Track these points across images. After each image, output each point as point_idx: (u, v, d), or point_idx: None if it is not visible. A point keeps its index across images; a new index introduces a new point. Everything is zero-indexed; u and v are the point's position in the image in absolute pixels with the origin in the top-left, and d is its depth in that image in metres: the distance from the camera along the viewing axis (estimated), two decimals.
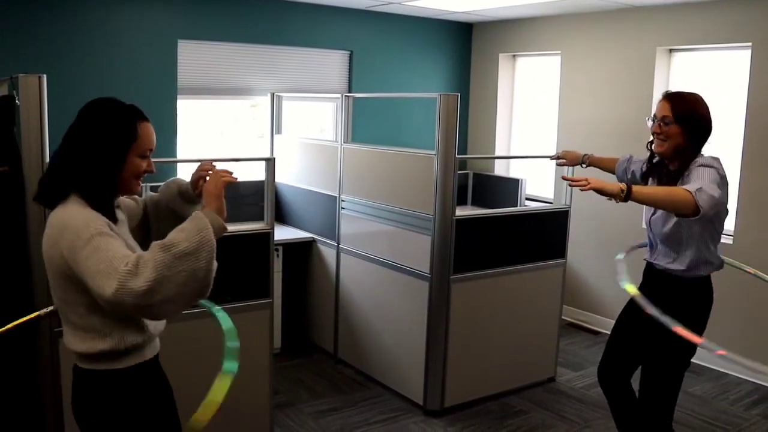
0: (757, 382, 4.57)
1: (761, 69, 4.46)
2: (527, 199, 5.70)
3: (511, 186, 5.74)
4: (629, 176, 3.14)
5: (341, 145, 4.51)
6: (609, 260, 5.44)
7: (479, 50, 6.40)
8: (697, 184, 2.48)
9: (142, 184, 2.01)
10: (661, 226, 2.76)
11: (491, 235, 4.02)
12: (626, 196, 2.40)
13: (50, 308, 2.34)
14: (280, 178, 4.97)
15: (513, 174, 6.12)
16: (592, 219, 5.43)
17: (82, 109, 1.95)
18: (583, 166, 3.41)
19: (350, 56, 5.70)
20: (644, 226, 5.08)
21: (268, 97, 5.21)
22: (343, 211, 4.53)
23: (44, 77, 2.70)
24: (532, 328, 4.33)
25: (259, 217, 3.54)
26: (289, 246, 4.80)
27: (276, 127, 5.21)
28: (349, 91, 5.67)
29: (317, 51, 5.53)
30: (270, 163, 3.30)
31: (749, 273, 3.24)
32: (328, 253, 4.71)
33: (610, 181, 2.46)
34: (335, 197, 4.58)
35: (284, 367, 4.57)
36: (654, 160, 2.86)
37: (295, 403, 4.08)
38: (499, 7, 5.35)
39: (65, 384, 2.08)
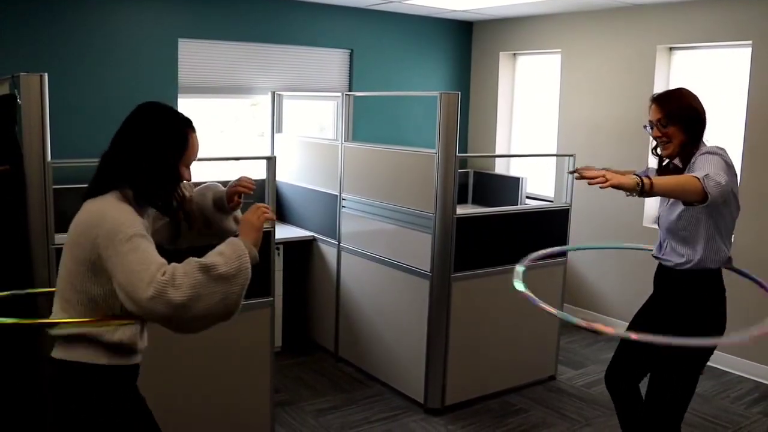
0: (758, 380, 4.57)
1: (761, 67, 4.46)
2: (528, 197, 5.70)
3: (512, 184, 5.74)
4: None
5: (342, 143, 4.52)
6: (609, 259, 5.47)
7: (480, 49, 6.40)
8: (703, 171, 2.46)
9: None
10: (666, 219, 2.75)
11: (492, 233, 4.03)
12: (642, 189, 2.38)
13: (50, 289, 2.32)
14: (280, 176, 4.97)
15: (513, 173, 6.12)
16: (592, 217, 5.43)
17: (135, 111, 1.97)
18: None
19: (351, 55, 5.70)
20: (646, 224, 5.11)
21: (269, 96, 5.21)
22: (343, 210, 4.53)
23: (45, 76, 2.70)
24: (533, 326, 4.33)
25: None
26: (290, 244, 4.80)
27: (276, 125, 5.22)
28: (350, 90, 5.68)
29: (318, 50, 5.53)
30: (271, 161, 3.30)
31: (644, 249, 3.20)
32: (328, 251, 4.71)
33: (625, 175, 2.44)
34: (336, 196, 4.59)
35: (285, 365, 4.58)
36: (664, 164, 2.85)
37: (295, 401, 4.08)
38: (499, 6, 5.35)
39: None
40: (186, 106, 4.99)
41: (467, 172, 6.12)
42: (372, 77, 5.79)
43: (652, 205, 4.98)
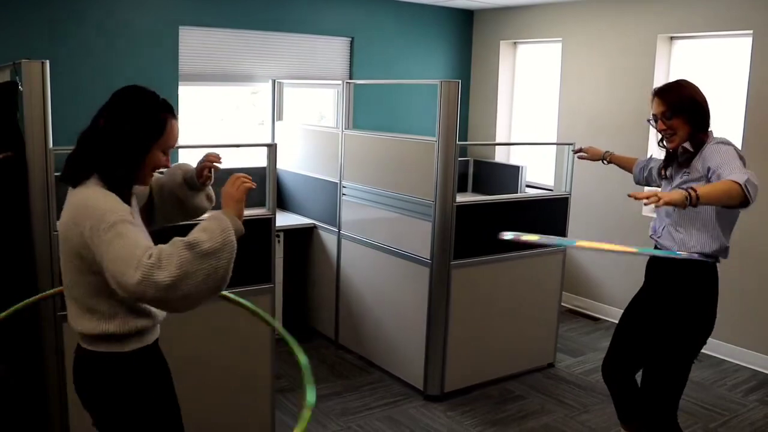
0: (755, 368, 4.60)
1: (762, 57, 4.46)
2: (527, 186, 5.71)
3: (512, 173, 5.75)
4: (646, 174, 3.17)
5: (342, 131, 4.52)
6: None
7: (480, 37, 6.39)
8: (736, 172, 2.46)
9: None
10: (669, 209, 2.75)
11: (491, 221, 4.04)
12: (690, 202, 2.36)
13: (58, 289, 2.36)
14: (281, 164, 4.97)
15: (513, 161, 6.13)
16: (591, 206, 5.44)
17: (116, 93, 1.96)
18: (604, 162, 3.39)
19: (351, 43, 5.69)
20: (646, 213, 5.12)
21: (269, 84, 5.21)
22: (344, 198, 4.54)
23: (47, 63, 2.70)
24: (532, 314, 4.36)
25: (261, 203, 3.55)
26: (291, 232, 4.82)
27: (277, 113, 5.22)
28: (350, 78, 5.67)
29: (318, 38, 5.52)
30: (272, 149, 3.31)
31: (607, 251, 3.17)
32: (329, 239, 4.73)
33: (673, 192, 2.41)
34: (336, 183, 4.60)
35: (286, 352, 4.58)
36: (671, 150, 2.85)
37: (296, 387, 4.11)
38: None
39: (69, 367, 2.10)
40: (186, 93, 4.99)
41: (467, 160, 6.13)
42: (372, 65, 5.79)
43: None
